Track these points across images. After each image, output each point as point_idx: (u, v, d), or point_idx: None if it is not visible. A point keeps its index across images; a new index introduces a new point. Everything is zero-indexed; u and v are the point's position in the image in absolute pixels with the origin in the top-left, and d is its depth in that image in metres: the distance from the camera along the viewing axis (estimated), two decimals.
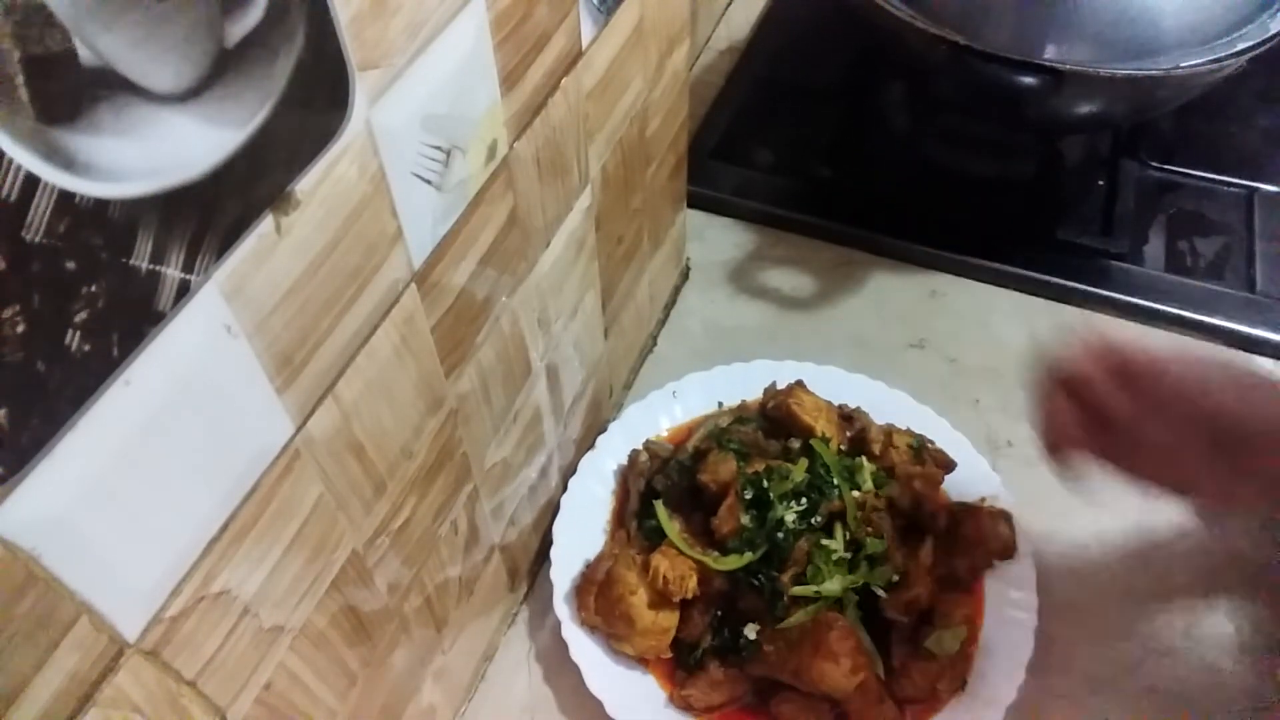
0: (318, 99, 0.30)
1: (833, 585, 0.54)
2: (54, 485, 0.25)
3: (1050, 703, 0.57)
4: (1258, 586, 0.61)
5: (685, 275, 0.81)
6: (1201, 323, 0.73)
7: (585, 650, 0.57)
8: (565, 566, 0.60)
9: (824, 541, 0.56)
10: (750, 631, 0.55)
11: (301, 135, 0.30)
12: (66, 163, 0.22)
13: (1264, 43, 0.67)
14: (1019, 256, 0.78)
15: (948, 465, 0.63)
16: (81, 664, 0.27)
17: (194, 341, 0.28)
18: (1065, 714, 0.57)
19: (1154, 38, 0.70)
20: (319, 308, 0.33)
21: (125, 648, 0.29)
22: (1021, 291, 0.78)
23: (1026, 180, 0.86)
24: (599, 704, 0.55)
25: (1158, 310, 0.74)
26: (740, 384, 0.69)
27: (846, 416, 0.66)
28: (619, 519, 0.64)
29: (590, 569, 0.59)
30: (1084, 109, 0.72)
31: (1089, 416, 0.47)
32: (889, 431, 0.63)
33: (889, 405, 0.67)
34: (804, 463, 0.59)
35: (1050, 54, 0.71)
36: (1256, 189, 0.82)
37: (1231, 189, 0.82)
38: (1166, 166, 0.84)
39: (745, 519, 0.56)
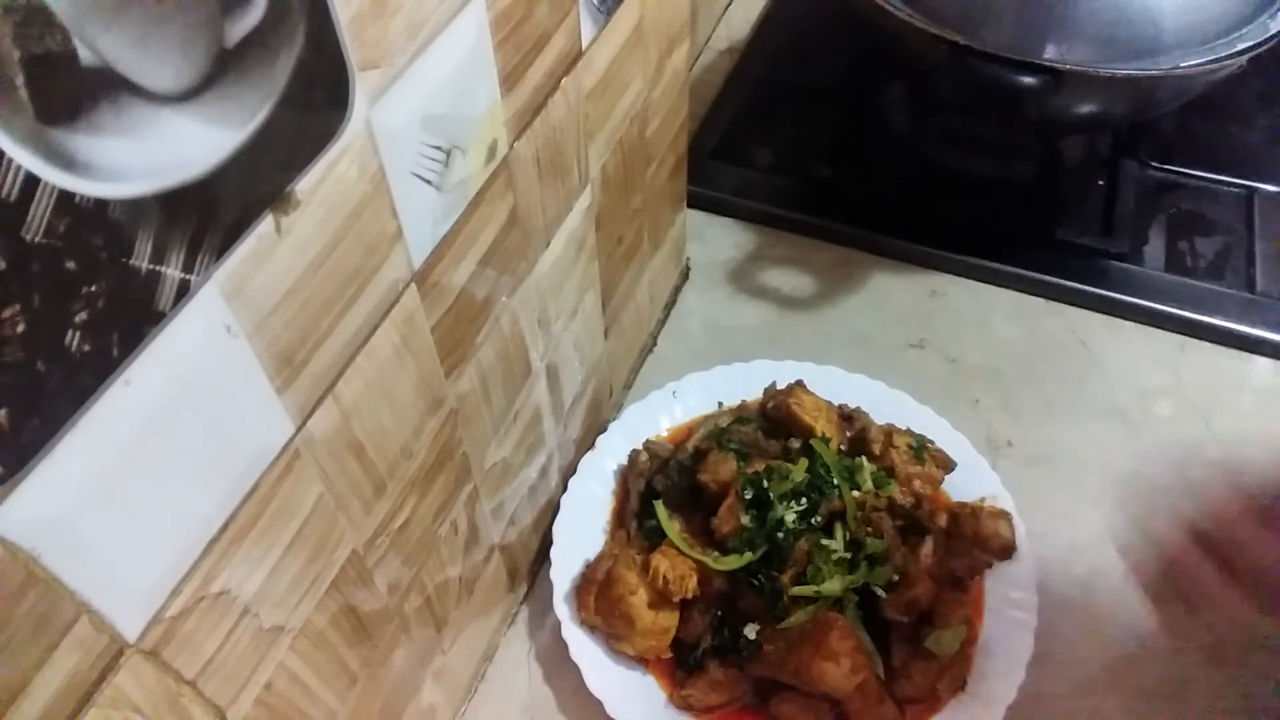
0: (318, 99, 0.30)
1: (833, 585, 0.54)
2: (54, 485, 0.25)
3: (1050, 703, 0.57)
4: (1257, 587, 0.61)
5: (685, 275, 0.81)
6: (1201, 323, 0.73)
7: (585, 650, 0.57)
8: (565, 566, 0.60)
9: (824, 541, 0.56)
10: (750, 631, 0.55)
11: (301, 135, 0.30)
12: (66, 163, 0.22)
13: (1264, 43, 0.67)
14: (1019, 256, 0.78)
15: (948, 465, 0.63)
16: (81, 664, 0.27)
17: (194, 341, 0.28)
18: (1065, 714, 0.57)
19: (1154, 38, 0.70)
20: (319, 308, 0.33)
21: (125, 648, 0.29)
22: (1021, 291, 0.78)
23: (1026, 180, 0.86)
24: (599, 704, 0.55)
25: (1158, 310, 0.74)
26: (740, 384, 0.69)
27: (846, 416, 0.66)
28: (619, 519, 0.64)
29: (590, 569, 0.59)
30: (1084, 109, 0.72)
31: None
32: (889, 431, 0.63)
33: (889, 405, 0.67)
34: (804, 463, 0.59)
35: (1050, 54, 0.71)
36: (1256, 189, 0.82)
37: (1231, 189, 0.82)
38: (1166, 166, 0.84)
39: (745, 519, 0.56)
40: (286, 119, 0.28)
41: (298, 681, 0.39)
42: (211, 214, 0.27)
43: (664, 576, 0.55)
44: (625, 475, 0.65)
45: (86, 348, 0.24)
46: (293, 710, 0.39)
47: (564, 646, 0.57)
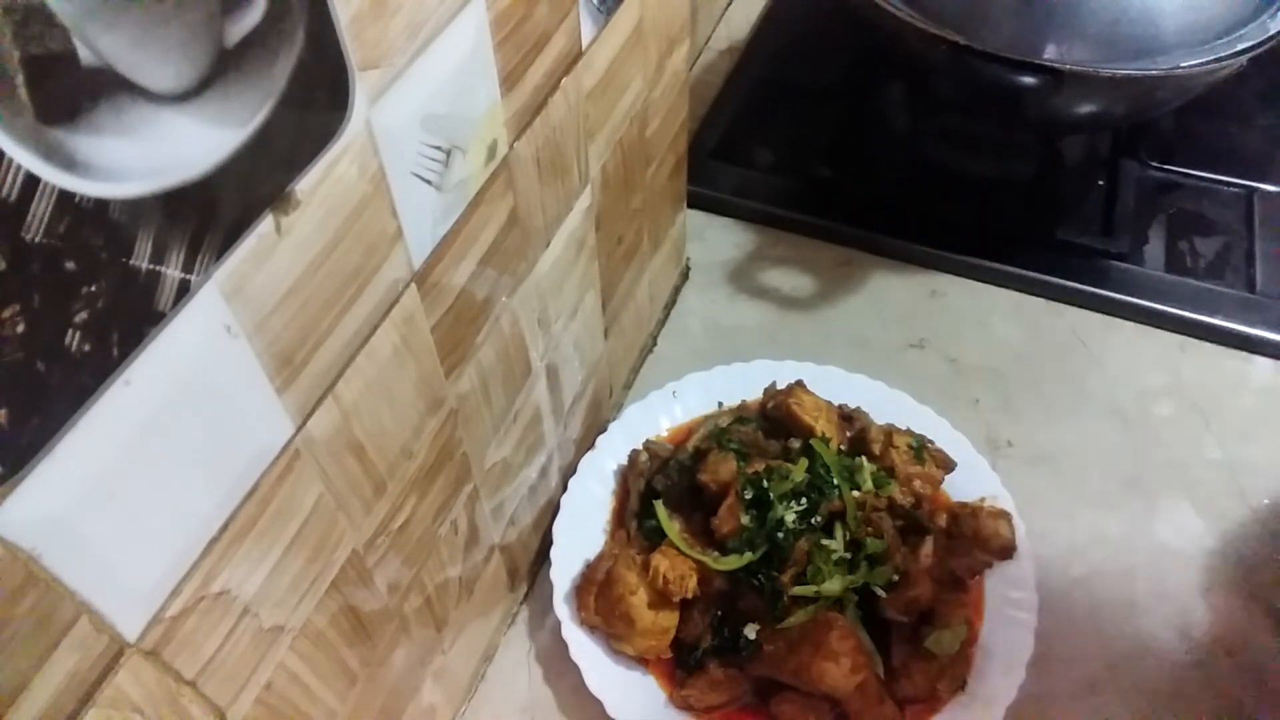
0: (318, 99, 0.30)
1: (833, 585, 0.54)
2: (54, 485, 0.25)
3: (1050, 703, 0.57)
4: (1257, 588, 0.61)
5: (685, 275, 0.81)
6: (1201, 323, 0.73)
7: (585, 650, 0.57)
8: (565, 566, 0.60)
9: (824, 541, 0.56)
10: (750, 631, 0.55)
11: (301, 135, 0.30)
12: (66, 163, 0.22)
13: (1264, 43, 0.67)
14: (1019, 256, 0.78)
15: (948, 465, 0.63)
16: (81, 664, 0.27)
17: (194, 341, 0.28)
18: (1065, 714, 0.57)
19: (1154, 38, 0.70)
20: (319, 308, 0.33)
21: (125, 648, 0.29)
22: (1021, 291, 0.78)
23: (1026, 180, 0.86)
24: (599, 704, 0.55)
25: (1158, 310, 0.74)
26: (740, 384, 0.69)
27: (846, 416, 0.66)
28: (619, 519, 0.64)
29: (590, 569, 0.59)
30: (1084, 109, 0.72)
31: None
32: (889, 431, 0.63)
33: (889, 405, 0.67)
34: (804, 463, 0.59)
35: (1050, 54, 0.71)
36: (1256, 189, 0.82)
37: (1231, 189, 0.82)
38: (1166, 166, 0.84)
39: (745, 519, 0.56)
40: (286, 119, 0.28)
41: (298, 681, 0.39)
42: (211, 214, 0.27)
43: (664, 576, 0.55)
44: (625, 475, 0.65)
45: (86, 348, 0.24)
46: (293, 710, 0.39)
47: (564, 646, 0.57)
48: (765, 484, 0.57)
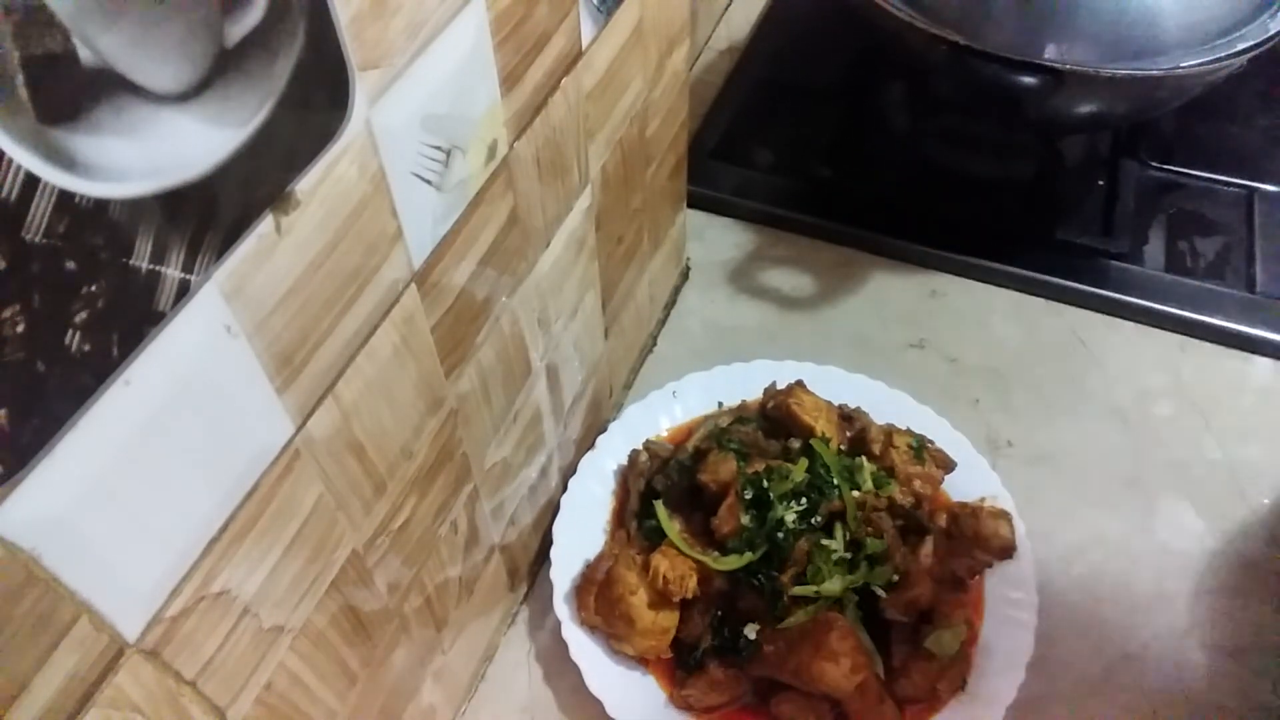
0: (318, 99, 0.30)
1: (833, 585, 0.54)
2: (54, 485, 0.25)
3: (1050, 703, 0.57)
4: (1258, 588, 0.61)
5: (685, 275, 0.81)
6: (1201, 323, 0.73)
7: (585, 650, 0.57)
8: (565, 566, 0.60)
9: (824, 541, 0.56)
10: (750, 631, 0.55)
11: (301, 135, 0.30)
12: (67, 163, 0.22)
13: (1264, 43, 0.67)
14: (1019, 256, 0.78)
15: (948, 465, 0.63)
16: (81, 664, 0.27)
17: (194, 341, 0.28)
18: (1065, 714, 0.57)
19: (1154, 38, 0.70)
20: (319, 308, 0.33)
21: (125, 648, 0.29)
22: (1021, 291, 0.78)
23: (1026, 180, 0.86)
24: (599, 704, 0.55)
25: (1158, 310, 0.74)
26: (740, 384, 0.69)
27: (846, 416, 0.66)
28: (619, 519, 0.64)
29: (590, 569, 0.59)
30: (1084, 109, 0.72)
31: None
32: (889, 431, 0.63)
33: (889, 405, 0.67)
34: (804, 463, 0.59)
35: (1050, 54, 0.71)
36: (1256, 189, 0.82)
37: (1231, 189, 0.82)
38: (1166, 166, 0.84)
39: (745, 519, 0.56)
40: (286, 119, 0.28)
41: (298, 681, 0.39)
42: (211, 214, 0.27)
43: (664, 576, 0.55)
44: (625, 475, 0.65)
45: (86, 348, 0.24)
46: (293, 710, 0.39)
47: (564, 646, 0.57)
48: (765, 484, 0.57)
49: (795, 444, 0.62)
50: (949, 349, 0.75)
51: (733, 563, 0.55)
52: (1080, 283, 0.76)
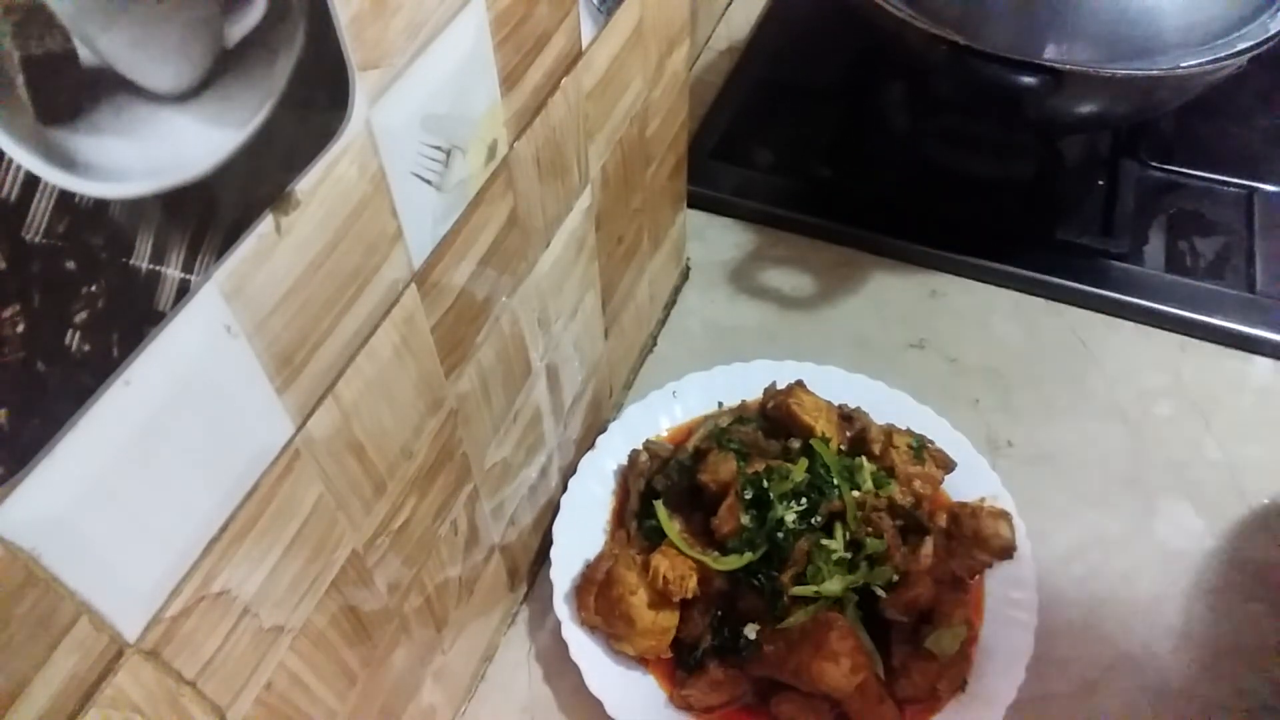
0: (318, 99, 0.30)
1: (833, 585, 0.54)
2: (54, 485, 0.25)
3: (1050, 703, 0.57)
4: (1258, 588, 0.61)
5: (685, 275, 0.81)
6: (1201, 323, 0.73)
7: (585, 650, 0.57)
8: (565, 566, 0.60)
9: (824, 541, 0.56)
10: (750, 631, 0.55)
11: (301, 135, 0.30)
12: (66, 163, 0.22)
13: (1264, 43, 0.67)
14: (1019, 256, 0.78)
15: (948, 465, 0.63)
16: (81, 664, 0.27)
17: (194, 341, 0.28)
18: (1065, 714, 0.57)
19: (1154, 38, 0.70)
20: (319, 308, 0.33)
21: (125, 648, 0.29)
22: (1021, 291, 0.78)
23: (1026, 180, 0.86)
24: (599, 704, 0.55)
25: (1158, 310, 0.74)
26: (740, 384, 0.69)
27: (846, 416, 0.66)
28: (619, 519, 0.64)
29: (590, 569, 0.59)
30: (1084, 109, 0.72)
31: None
32: (889, 431, 0.63)
33: (889, 405, 0.67)
34: (804, 463, 0.59)
35: (1050, 54, 0.71)
36: (1256, 189, 0.82)
37: (1231, 189, 0.82)
38: (1166, 166, 0.84)
39: (745, 519, 0.56)
40: (286, 119, 0.28)
41: (298, 681, 0.39)
42: (211, 214, 0.27)
43: (664, 576, 0.55)
44: (625, 475, 0.65)
45: (86, 348, 0.24)
46: (293, 710, 0.39)
47: (564, 646, 0.57)
48: (765, 484, 0.57)
49: (795, 444, 0.62)
50: (949, 349, 0.75)
51: (733, 563, 0.55)
52: (1080, 283, 0.76)
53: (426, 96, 0.35)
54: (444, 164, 0.38)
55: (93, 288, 0.24)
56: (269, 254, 0.30)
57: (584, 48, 0.47)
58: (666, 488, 0.62)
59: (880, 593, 0.55)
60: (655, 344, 0.77)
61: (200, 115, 0.26)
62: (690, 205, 0.77)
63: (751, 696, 0.56)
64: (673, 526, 0.58)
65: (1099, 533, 0.64)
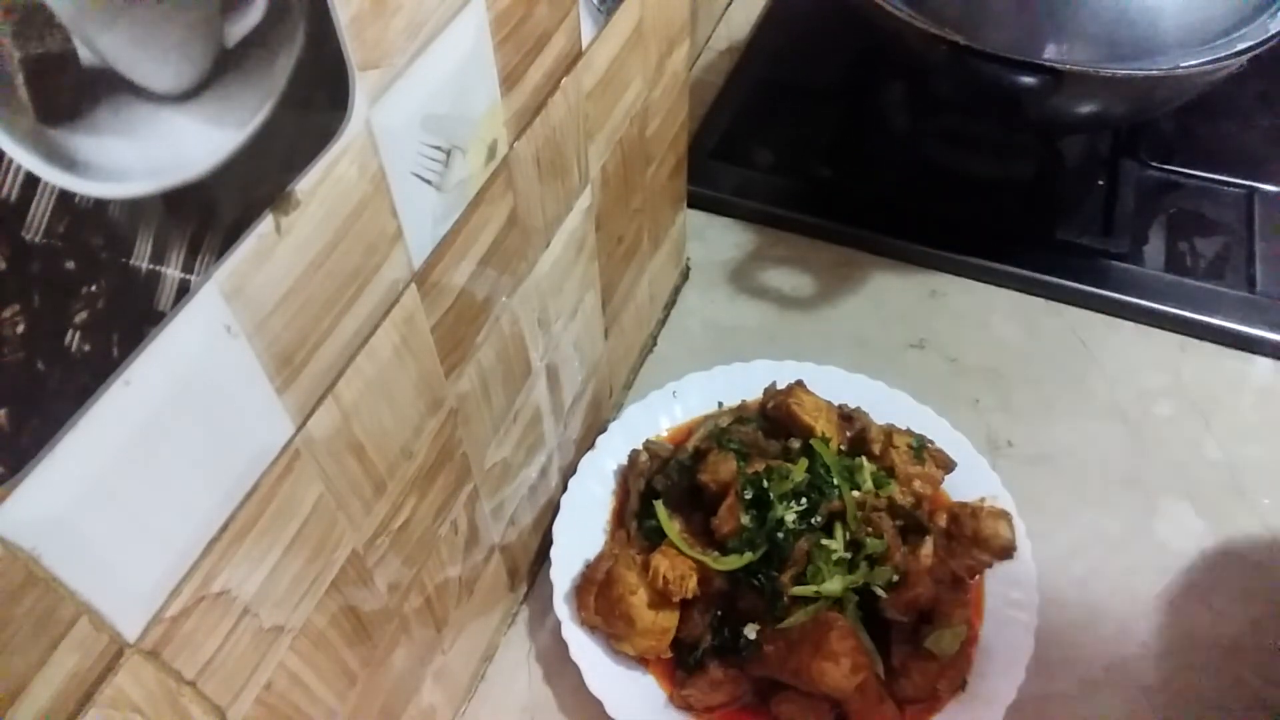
0: (318, 99, 0.30)
1: (833, 585, 0.54)
2: (54, 485, 0.25)
3: (1050, 703, 0.57)
4: (1258, 588, 0.61)
5: (685, 275, 0.81)
6: (1201, 323, 0.73)
7: (585, 650, 0.57)
8: (565, 566, 0.60)
9: (824, 541, 0.56)
10: (750, 631, 0.55)
11: (301, 135, 0.30)
12: (66, 163, 0.22)
13: (1264, 43, 0.67)
14: (1019, 256, 0.78)
15: (948, 465, 0.63)
16: (81, 664, 0.27)
17: (194, 341, 0.28)
18: (1065, 714, 0.57)
19: (1154, 38, 0.70)
20: (319, 308, 0.33)
21: (125, 648, 0.29)
22: (1021, 291, 0.78)
23: (1026, 180, 0.86)
24: (599, 704, 0.55)
25: (1158, 310, 0.74)
26: (740, 384, 0.69)
27: (846, 416, 0.66)
28: (619, 519, 0.64)
29: (590, 569, 0.59)
30: (1084, 109, 0.72)
31: None
32: (889, 431, 0.63)
33: (889, 405, 0.67)
34: (804, 463, 0.58)
35: (1050, 54, 0.71)
36: (1256, 189, 0.82)
37: (1231, 189, 0.82)
38: (1166, 166, 0.84)
39: (745, 519, 0.56)
40: (286, 119, 0.28)
41: (298, 681, 0.39)
42: (211, 214, 0.27)
43: (664, 576, 0.55)
44: (625, 475, 0.65)
45: (86, 348, 0.24)
46: (293, 710, 0.39)
47: (564, 646, 0.57)
48: (765, 484, 0.57)
49: (795, 444, 0.62)
50: (949, 349, 0.75)
51: (733, 563, 0.55)
52: (1080, 283, 0.76)
53: (426, 96, 0.35)
54: (444, 164, 0.38)
55: (93, 288, 0.24)
56: (269, 254, 0.30)
57: (584, 48, 0.47)
58: (666, 488, 0.62)
59: (880, 593, 0.55)
60: (655, 344, 0.77)
61: (200, 115, 0.26)
62: (690, 205, 0.77)
63: (751, 696, 0.56)
64: (673, 526, 0.58)
65: (1099, 533, 0.64)
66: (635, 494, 0.63)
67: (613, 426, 0.67)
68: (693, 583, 0.55)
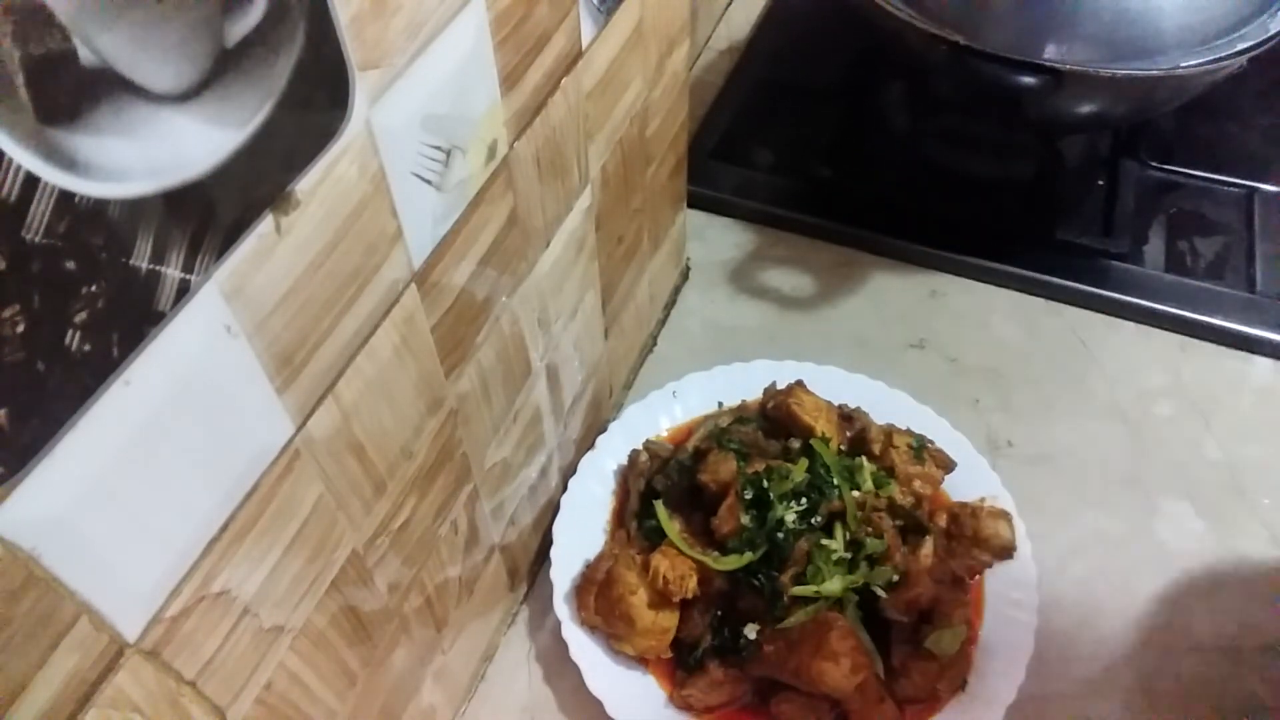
0: (318, 99, 0.30)
1: (833, 585, 0.54)
2: (54, 485, 0.25)
3: (1050, 703, 0.57)
4: (1257, 588, 0.61)
5: (685, 275, 0.81)
6: (1201, 323, 0.73)
7: (585, 650, 0.57)
8: (565, 566, 0.60)
9: (824, 541, 0.56)
10: (750, 631, 0.55)
11: (301, 135, 0.30)
12: (66, 163, 0.22)
13: (1264, 43, 0.67)
14: (1019, 256, 0.78)
15: (948, 465, 0.63)
16: (81, 664, 0.27)
17: (194, 341, 0.28)
18: (1065, 714, 0.57)
19: (1154, 38, 0.70)
20: (319, 308, 0.33)
21: (125, 648, 0.29)
22: (1021, 291, 0.78)
23: (1026, 180, 0.86)
24: (599, 704, 0.55)
25: (1158, 310, 0.74)
26: (740, 384, 0.69)
27: (846, 416, 0.66)
28: (619, 519, 0.64)
29: (590, 569, 0.59)
30: (1084, 109, 0.72)
31: None
32: (889, 431, 0.63)
33: (889, 405, 0.67)
34: (804, 463, 0.58)
35: (1050, 54, 0.71)
36: (1256, 189, 0.82)
37: (1231, 189, 0.82)
38: (1166, 166, 0.84)
39: (745, 519, 0.56)
40: (286, 119, 0.28)
41: (298, 681, 0.39)
42: (211, 214, 0.27)
43: (664, 576, 0.55)
44: (625, 475, 0.65)
45: (86, 348, 0.24)
46: (293, 710, 0.39)
47: (564, 646, 0.57)
48: (765, 484, 0.57)
49: (795, 444, 0.62)
50: (949, 349, 0.75)
51: (733, 563, 0.55)
52: (1080, 283, 0.76)
53: (426, 96, 0.35)
54: (444, 164, 0.38)
55: (93, 288, 0.24)
56: (269, 254, 0.30)
57: (584, 48, 0.47)
58: (666, 488, 0.62)
59: (880, 593, 0.55)
60: (655, 344, 0.77)
61: (200, 115, 0.26)
62: (690, 205, 0.77)
63: (751, 696, 0.56)
64: (673, 526, 0.58)
65: (1099, 533, 0.64)
66: (635, 494, 0.63)
67: (613, 426, 0.67)
68: (693, 583, 0.55)
